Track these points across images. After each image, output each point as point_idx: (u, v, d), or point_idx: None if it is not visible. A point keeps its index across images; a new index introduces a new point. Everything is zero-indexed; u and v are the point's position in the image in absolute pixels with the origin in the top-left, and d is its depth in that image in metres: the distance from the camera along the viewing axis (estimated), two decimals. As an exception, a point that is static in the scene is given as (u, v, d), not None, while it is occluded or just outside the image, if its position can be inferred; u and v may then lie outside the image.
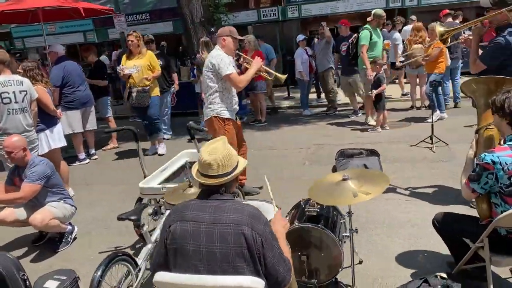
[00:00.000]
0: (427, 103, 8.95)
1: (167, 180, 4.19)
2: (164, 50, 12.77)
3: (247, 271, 1.99)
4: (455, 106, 8.70)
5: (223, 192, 2.13)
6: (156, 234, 3.48)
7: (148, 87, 6.76)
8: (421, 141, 6.27)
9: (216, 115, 4.55)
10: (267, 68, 5.06)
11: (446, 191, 4.71)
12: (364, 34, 7.18)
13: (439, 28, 4.09)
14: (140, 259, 3.21)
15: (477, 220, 2.86)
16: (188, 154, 4.61)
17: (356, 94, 8.55)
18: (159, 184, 4.02)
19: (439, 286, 2.76)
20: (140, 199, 4.14)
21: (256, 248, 1.99)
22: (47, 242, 4.43)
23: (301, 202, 3.38)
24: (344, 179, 2.80)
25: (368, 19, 7.57)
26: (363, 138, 7.07)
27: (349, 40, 7.77)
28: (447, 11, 8.77)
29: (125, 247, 4.18)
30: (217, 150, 2.11)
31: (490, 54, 3.77)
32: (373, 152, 5.70)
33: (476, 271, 3.00)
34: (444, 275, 2.85)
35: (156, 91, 7.07)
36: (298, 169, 5.88)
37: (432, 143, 6.12)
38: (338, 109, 9.42)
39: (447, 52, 7.55)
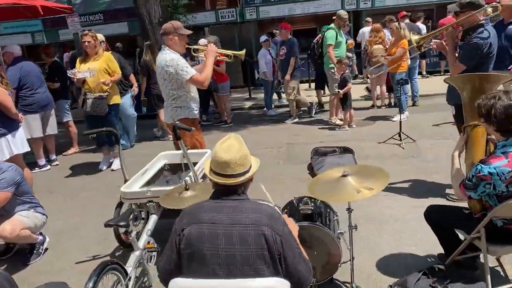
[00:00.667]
0: (387, 101, 9.27)
1: (148, 183, 4.04)
2: (119, 52, 12.33)
3: (267, 273, 1.92)
4: (414, 105, 9.01)
5: (241, 193, 2.05)
6: (144, 240, 3.33)
7: (106, 94, 6.05)
8: (389, 138, 6.44)
9: (186, 116, 4.36)
10: (223, 51, 4.88)
11: (420, 185, 4.86)
12: (331, 34, 7.30)
13: (414, 37, 4.24)
14: (130, 267, 3.04)
15: (469, 212, 2.94)
16: (166, 156, 4.48)
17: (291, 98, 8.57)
18: (141, 187, 3.86)
19: (438, 278, 2.81)
20: (120, 204, 3.95)
21: (277, 249, 1.92)
22: (16, 255, 4.14)
23: (294, 201, 3.34)
24: (344, 175, 2.79)
25: (334, 18, 7.71)
26: (332, 136, 7.16)
27: (314, 40, 7.86)
28: (405, 13, 9.09)
29: (103, 256, 3.97)
30: (233, 148, 2.03)
31: (467, 54, 3.89)
32: (346, 150, 5.79)
33: (467, 261, 3.10)
34: (442, 267, 2.91)
35: (116, 99, 6.34)
36: (274, 168, 5.85)
37: (400, 140, 6.30)
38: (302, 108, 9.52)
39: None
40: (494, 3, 3.91)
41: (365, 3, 13.03)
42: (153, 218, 3.57)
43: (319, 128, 7.80)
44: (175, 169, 4.45)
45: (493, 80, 2.70)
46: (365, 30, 10.41)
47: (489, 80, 2.73)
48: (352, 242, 2.98)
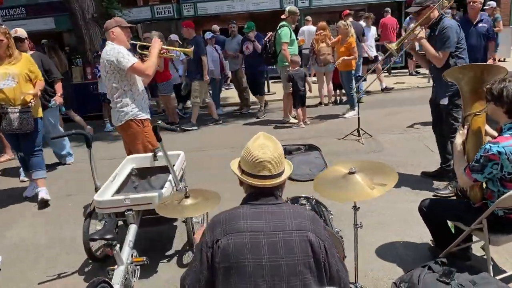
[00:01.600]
0: (333, 99, 9.44)
1: (118, 191, 3.68)
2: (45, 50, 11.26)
3: (313, 283, 1.75)
4: (358, 102, 9.22)
5: (278, 196, 1.86)
6: (126, 253, 3.01)
7: (30, 105, 4.71)
8: (348, 134, 6.51)
9: (132, 117, 4.07)
10: (170, 48, 4.81)
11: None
12: (285, 31, 7.22)
13: (392, 44, 4.36)
14: (117, 285, 2.72)
15: (466, 203, 2.98)
16: (134, 160, 4.11)
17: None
18: (113, 195, 3.51)
19: (443, 271, 2.80)
20: (90, 215, 3.55)
21: (322, 256, 1.77)
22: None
23: (288, 201, 3.20)
24: (351, 173, 2.68)
25: (283, 16, 7.64)
26: (289, 134, 7.10)
27: (265, 38, 7.75)
28: (348, 11, 9.29)
29: (71, 273, 3.56)
30: (269, 146, 1.85)
31: (447, 40, 4.03)
32: (311, 147, 5.75)
33: (460, 252, 3.14)
34: (444, 260, 2.91)
35: (40, 111, 5.01)
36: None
37: (359, 136, 6.39)
38: (252, 107, 9.43)
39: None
40: None
41: (303, 2, 13.20)
42: (133, 228, 3.24)
43: (274, 128, 7.72)
44: (143, 174, 4.11)
45: (494, 72, 2.77)
46: (305, 28, 10.51)
47: (490, 71, 2.79)
48: (357, 240, 2.89)
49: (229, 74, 9.79)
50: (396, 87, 10.60)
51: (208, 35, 9.04)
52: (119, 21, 4.15)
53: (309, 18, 11.65)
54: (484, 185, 2.90)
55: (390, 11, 11.28)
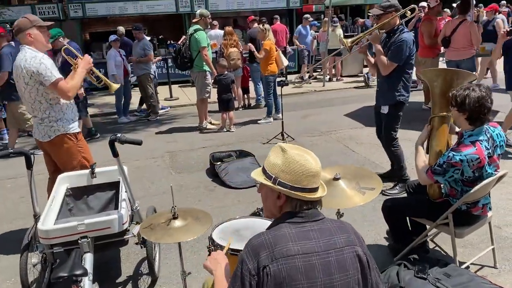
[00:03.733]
0: (242, 103, 9.47)
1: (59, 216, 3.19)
2: None
3: (361, 302, 1.68)
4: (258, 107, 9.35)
5: (319, 210, 1.74)
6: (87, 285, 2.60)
7: None
8: (272, 138, 6.56)
9: (65, 132, 3.60)
10: (98, 72, 4.10)
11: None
12: (202, 35, 6.99)
13: (347, 40, 4.36)
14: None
15: (427, 200, 3.17)
16: (67, 178, 3.59)
17: None
18: (56, 222, 3.02)
19: (417, 267, 2.94)
20: (27, 247, 3.00)
21: (369, 271, 1.70)
22: None
23: (258, 211, 3.07)
24: (336, 179, 2.67)
25: (194, 20, 7.42)
26: (212, 140, 6.91)
27: (179, 42, 7.45)
28: (253, 17, 9.42)
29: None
30: (307, 156, 1.71)
31: (399, 53, 4.14)
32: (243, 153, 5.66)
33: (419, 245, 3.33)
34: (416, 257, 3.05)
35: None
36: (170, 180, 5.31)
37: (283, 139, 6.48)
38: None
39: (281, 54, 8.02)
40: (411, 6, 4.32)
41: (199, 7, 13.03)
42: (89, 257, 2.81)
43: (200, 133, 7.44)
44: (79, 194, 3.62)
45: (463, 77, 2.96)
46: (213, 32, 10.39)
47: (459, 76, 2.98)
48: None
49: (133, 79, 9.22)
50: (295, 91, 11.00)
51: (112, 37, 8.39)
52: (35, 20, 3.52)
53: (215, 22, 11.57)
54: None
55: (279, 18, 11.77)
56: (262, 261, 1.58)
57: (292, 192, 1.67)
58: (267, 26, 7.85)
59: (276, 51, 7.83)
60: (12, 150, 2.82)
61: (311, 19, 12.46)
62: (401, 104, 4.37)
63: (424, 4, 8.83)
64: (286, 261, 1.57)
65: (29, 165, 2.87)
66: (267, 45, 7.53)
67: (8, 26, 7.78)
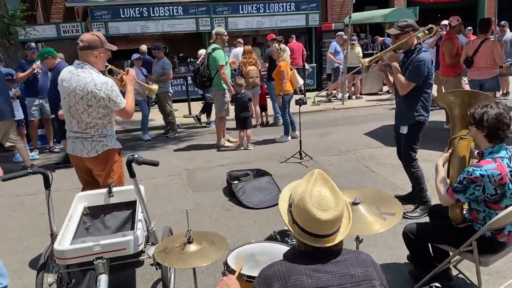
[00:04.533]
0: (259, 121, 9.46)
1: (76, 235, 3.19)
2: None
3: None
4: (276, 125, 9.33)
5: (341, 246, 1.68)
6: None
7: None
8: (290, 157, 6.51)
9: (112, 147, 3.64)
10: (141, 82, 4.44)
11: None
12: (220, 54, 7.04)
13: (364, 59, 4.31)
14: None
15: (449, 225, 3.06)
16: (86, 197, 3.61)
17: None
18: (73, 241, 3.02)
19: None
20: (43, 267, 3.00)
21: None
22: None
23: (275, 235, 3.02)
24: (355, 203, 2.60)
25: (212, 40, 7.48)
26: (232, 158, 6.90)
27: (198, 61, 7.51)
28: (273, 35, 9.47)
29: None
30: (329, 199, 1.61)
31: (417, 72, 4.08)
32: (260, 172, 5.62)
33: (442, 272, 3.21)
34: (438, 285, 2.95)
35: None
36: (186, 198, 5.30)
37: (301, 158, 6.42)
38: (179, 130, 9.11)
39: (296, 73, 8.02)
40: (429, 25, 4.27)
41: (219, 25, 13.20)
42: (104, 279, 2.78)
43: (217, 151, 7.44)
44: (96, 213, 3.63)
45: (481, 98, 2.91)
46: (239, 51, 10.47)
47: (478, 97, 2.93)
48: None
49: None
50: (313, 108, 10.97)
51: (135, 55, 8.54)
52: (105, 42, 3.50)
53: (240, 40, 11.69)
54: (466, 206, 3.01)
55: (295, 37, 11.76)
56: None
57: (300, 238, 1.62)
58: (282, 46, 7.89)
59: (291, 70, 7.83)
60: (30, 170, 2.84)
61: (345, 36, 12.37)
62: (421, 124, 4.28)
63: (445, 22, 8.73)
64: None
65: (47, 185, 2.89)
66: (282, 66, 7.53)
67: (33, 44, 7.96)
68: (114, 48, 3.61)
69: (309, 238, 1.61)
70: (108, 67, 3.91)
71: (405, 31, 4.10)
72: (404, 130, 4.31)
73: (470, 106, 2.88)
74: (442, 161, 3.06)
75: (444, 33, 8.35)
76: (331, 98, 11.86)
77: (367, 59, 4.29)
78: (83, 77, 3.38)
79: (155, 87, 4.55)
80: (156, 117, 9.87)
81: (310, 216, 1.58)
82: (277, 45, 7.94)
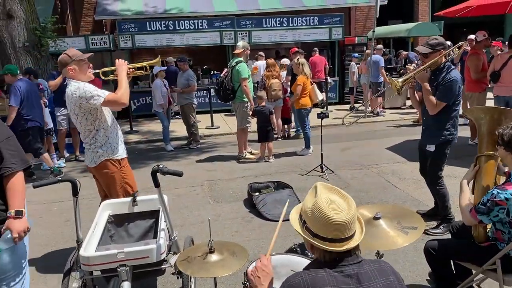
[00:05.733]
0: (281, 134, 9.50)
1: (100, 242, 3.27)
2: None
3: None
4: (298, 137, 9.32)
5: (358, 253, 1.70)
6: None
7: None
8: (311, 170, 6.51)
9: (109, 157, 3.73)
10: (135, 64, 4.14)
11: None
12: (244, 67, 7.15)
13: (397, 80, 4.12)
14: None
15: (472, 243, 3.02)
16: (110, 205, 3.70)
17: None
18: (97, 248, 3.10)
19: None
20: (68, 272, 3.09)
21: None
22: None
23: (295, 247, 3.03)
24: (376, 218, 2.60)
25: (236, 51, 7.60)
26: (253, 170, 6.94)
27: (222, 75, 7.62)
28: (296, 49, 9.53)
29: None
30: (339, 202, 1.68)
31: (449, 92, 4.00)
32: (281, 184, 5.64)
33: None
34: (460, 304, 2.90)
35: None
36: (208, 209, 5.37)
37: (322, 172, 6.42)
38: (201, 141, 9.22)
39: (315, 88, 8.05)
40: (459, 43, 4.22)
41: (243, 39, 13.37)
42: (127, 286, 2.85)
43: (239, 163, 7.51)
44: (120, 221, 3.71)
45: (511, 116, 2.88)
46: (260, 64, 10.58)
47: (508, 115, 2.89)
48: None
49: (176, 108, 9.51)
50: (334, 122, 10.94)
51: (157, 68, 8.72)
52: (74, 55, 3.66)
53: (262, 53, 11.77)
54: (490, 226, 2.97)
55: (317, 50, 11.82)
56: None
57: (315, 242, 1.65)
58: (301, 60, 7.87)
59: (312, 84, 7.85)
60: (60, 178, 2.94)
61: (384, 49, 12.21)
62: (450, 142, 4.22)
63: (472, 37, 8.65)
64: None
65: (75, 192, 2.98)
66: (300, 80, 7.57)
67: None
68: (84, 56, 3.68)
69: (331, 245, 1.64)
70: (99, 71, 4.03)
71: (436, 50, 3.99)
72: (431, 148, 4.23)
73: (500, 123, 2.84)
74: (467, 180, 3.03)
75: (469, 48, 8.26)
76: (367, 115, 11.69)
77: (400, 80, 4.11)
78: (67, 92, 3.63)
79: (157, 59, 4.36)
80: (178, 129, 10.02)
81: (326, 220, 1.63)
82: (295, 59, 7.99)
